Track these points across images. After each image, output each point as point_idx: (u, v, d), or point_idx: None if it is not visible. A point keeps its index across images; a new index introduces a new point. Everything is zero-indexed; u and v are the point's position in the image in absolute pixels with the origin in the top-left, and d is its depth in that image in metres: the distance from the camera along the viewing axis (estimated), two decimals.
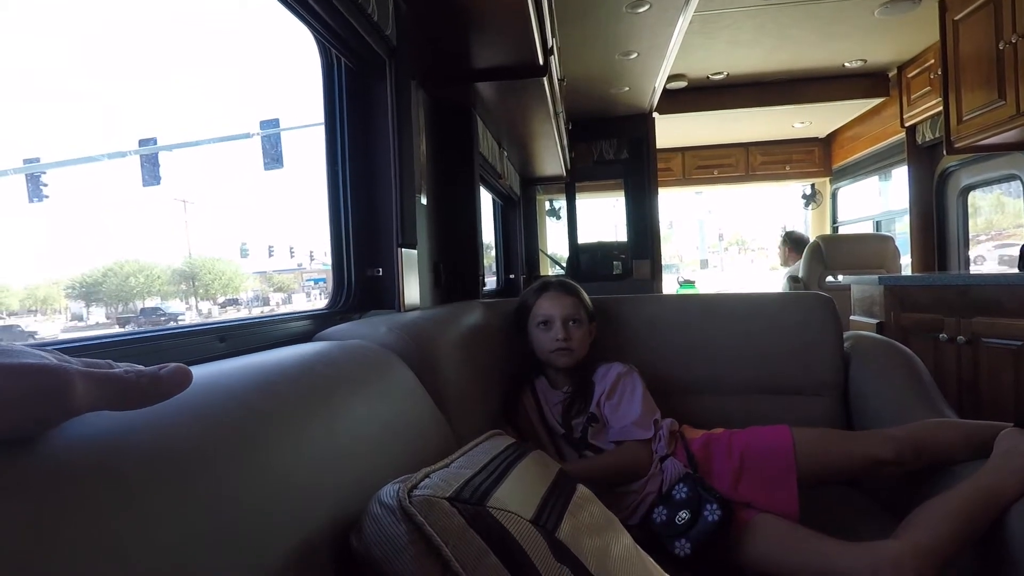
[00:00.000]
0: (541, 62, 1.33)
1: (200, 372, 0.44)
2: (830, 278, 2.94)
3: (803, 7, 2.28)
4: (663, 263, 3.21)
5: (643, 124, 3.06)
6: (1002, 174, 2.45)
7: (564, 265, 3.29)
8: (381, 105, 1.07)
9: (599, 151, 3.16)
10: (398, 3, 1.05)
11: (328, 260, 1.08)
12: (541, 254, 3.39)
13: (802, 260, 3.03)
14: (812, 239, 3.18)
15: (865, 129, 3.54)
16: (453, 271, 1.50)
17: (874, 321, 2.07)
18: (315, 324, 0.89)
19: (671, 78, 2.97)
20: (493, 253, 2.83)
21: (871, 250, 2.96)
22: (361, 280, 1.08)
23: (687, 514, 0.89)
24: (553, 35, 1.48)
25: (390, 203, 1.07)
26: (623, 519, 0.96)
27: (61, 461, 0.27)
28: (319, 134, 1.06)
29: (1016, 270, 1.94)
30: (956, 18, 2.07)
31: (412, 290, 1.14)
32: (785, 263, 3.52)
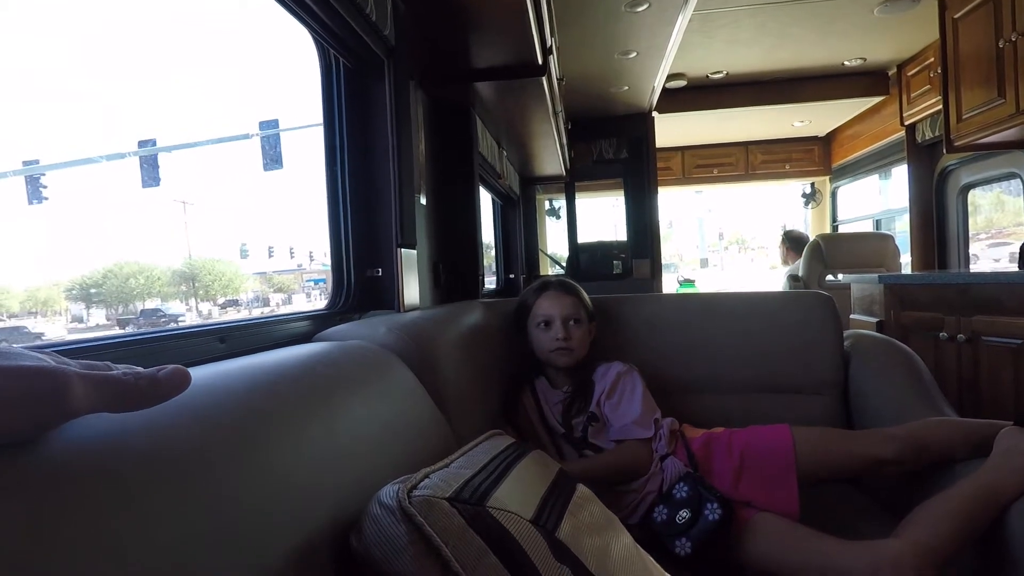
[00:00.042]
0: (540, 61, 1.33)
1: (200, 373, 0.44)
2: (830, 277, 2.94)
3: (802, 5, 2.28)
4: (663, 262, 3.21)
5: (642, 123, 3.06)
6: (1002, 172, 2.45)
7: (564, 265, 3.29)
8: (380, 105, 1.07)
9: (599, 150, 3.16)
10: (396, 3, 1.05)
11: (328, 261, 1.08)
12: (541, 254, 3.39)
13: (802, 259, 3.03)
14: (812, 238, 3.18)
15: (865, 128, 3.54)
16: (453, 271, 1.50)
17: (874, 320, 2.07)
18: (315, 325, 0.89)
19: (670, 77, 2.97)
20: (493, 253, 2.83)
21: (871, 249, 2.96)
22: (361, 280, 1.08)
23: (688, 513, 0.89)
24: (552, 34, 1.48)
25: (389, 203, 1.07)
26: (623, 518, 0.96)
27: (60, 463, 0.28)
28: (318, 134, 1.06)
29: (1016, 268, 1.94)
30: (956, 16, 2.07)
31: (412, 290, 1.14)
32: (785, 262, 3.52)
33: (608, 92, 2.66)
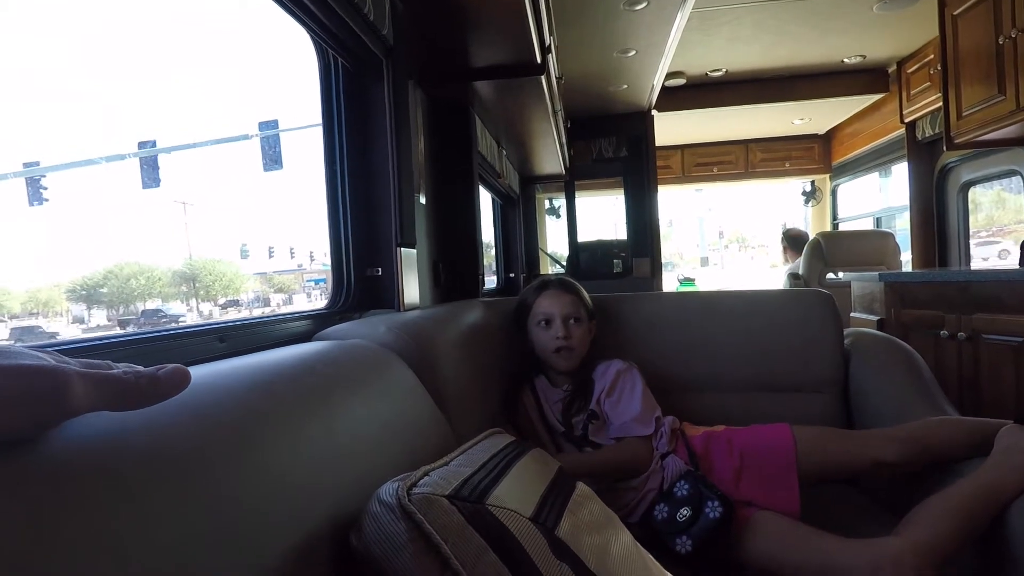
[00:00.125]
0: (539, 60, 1.33)
1: (200, 372, 0.44)
2: (830, 275, 2.94)
3: (802, 3, 2.28)
4: (663, 261, 3.21)
5: (642, 122, 3.06)
6: (1002, 170, 2.44)
7: (564, 263, 3.29)
8: (379, 105, 1.07)
9: (598, 149, 3.16)
10: (395, 3, 1.05)
11: (328, 260, 1.08)
12: (541, 253, 3.39)
13: (802, 257, 3.03)
14: (812, 236, 3.18)
15: (865, 125, 3.54)
16: (452, 270, 1.50)
17: (874, 318, 2.07)
18: (314, 324, 0.89)
19: (670, 75, 2.97)
20: (493, 252, 2.83)
21: (871, 247, 2.96)
22: (360, 280, 1.08)
23: (688, 511, 0.90)
24: (551, 33, 1.48)
25: (389, 203, 1.07)
26: (624, 516, 0.96)
27: (60, 461, 0.28)
28: (318, 135, 1.06)
29: (1018, 266, 1.94)
30: (955, 13, 2.07)
31: (411, 289, 1.14)
32: (785, 261, 3.52)
33: (607, 91, 2.65)
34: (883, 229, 3.69)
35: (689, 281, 5.32)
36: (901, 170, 3.19)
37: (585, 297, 1.21)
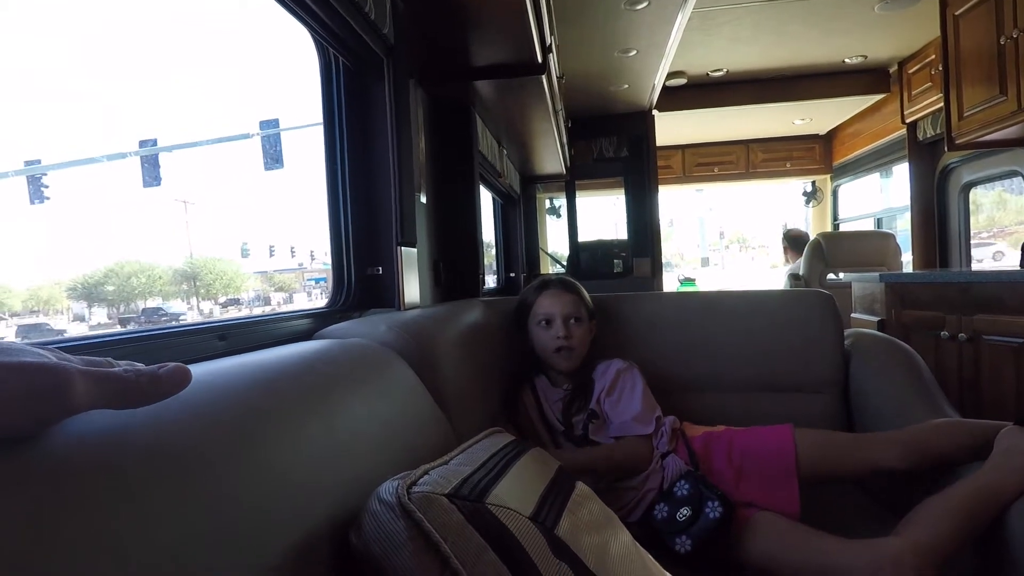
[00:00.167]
0: (540, 60, 1.33)
1: (200, 370, 0.44)
2: (831, 275, 2.94)
3: (803, 3, 2.28)
4: (663, 261, 3.21)
5: (643, 121, 3.06)
6: (1003, 170, 2.44)
7: (564, 263, 3.29)
8: (379, 104, 1.07)
9: (599, 149, 3.16)
10: (395, 2, 1.05)
11: (328, 259, 1.08)
12: (541, 252, 3.39)
13: (803, 257, 3.03)
14: (813, 236, 3.18)
15: (866, 126, 3.53)
16: (453, 269, 1.50)
17: (875, 318, 2.07)
18: (315, 323, 0.89)
19: (670, 75, 2.97)
20: (493, 252, 2.83)
21: (872, 247, 2.96)
22: (361, 279, 1.08)
23: (688, 511, 0.90)
24: (552, 33, 1.48)
25: (389, 202, 1.07)
26: (624, 516, 0.96)
27: (61, 459, 0.28)
28: (319, 134, 1.06)
29: (1019, 267, 1.94)
30: (957, 13, 2.07)
31: (412, 288, 1.14)
32: (786, 262, 3.52)
33: (608, 90, 2.65)
34: (884, 230, 3.69)
35: (690, 281, 5.32)
36: (902, 171, 3.19)
37: (585, 297, 1.21)
